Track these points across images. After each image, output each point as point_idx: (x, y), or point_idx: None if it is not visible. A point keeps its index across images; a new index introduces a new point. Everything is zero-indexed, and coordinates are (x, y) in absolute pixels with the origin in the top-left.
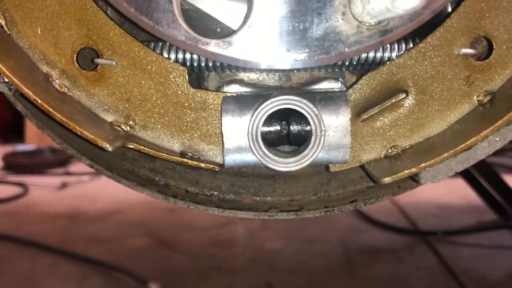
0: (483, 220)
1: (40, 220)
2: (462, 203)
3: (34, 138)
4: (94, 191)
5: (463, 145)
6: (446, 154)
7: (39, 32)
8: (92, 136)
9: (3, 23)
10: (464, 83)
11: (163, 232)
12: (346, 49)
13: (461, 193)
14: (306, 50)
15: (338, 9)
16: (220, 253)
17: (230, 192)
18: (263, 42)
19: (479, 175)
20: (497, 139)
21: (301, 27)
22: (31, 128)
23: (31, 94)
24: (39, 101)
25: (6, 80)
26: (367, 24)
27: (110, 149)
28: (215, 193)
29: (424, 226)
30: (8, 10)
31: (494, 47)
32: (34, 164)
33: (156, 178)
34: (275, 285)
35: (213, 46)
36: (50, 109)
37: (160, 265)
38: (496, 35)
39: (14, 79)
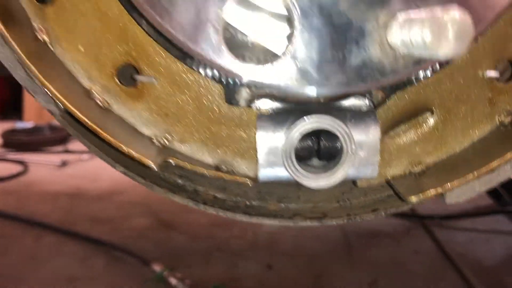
0: (479, 205)
1: (42, 199)
2: None
3: (32, 115)
4: (94, 169)
5: (487, 168)
6: (471, 176)
7: (81, 49)
8: (137, 155)
9: (47, 40)
10: (487, 104)
11: (163, 213)
12: (383, 78)
13: None
14: (345, 78)
15: (376, 39)
16: (220, 234)
17: (256, 198)
18: (303, 69)
19: None
20: None
21: (340, 56)
22: (29, 104)
23: (80, 114)
24: (89, 122)
25: (55, 100)
26: (403, 54)
27: (156, 169)
28: (242, 199)
29: (422, 211)
30: (53, 28)
31: None
32: (34, 141)
33: (186, 185)
34: (274, 267)
35: (253, 72)
36: (99, 130)
37: (162, 245)
38: None
39: (65, 101)
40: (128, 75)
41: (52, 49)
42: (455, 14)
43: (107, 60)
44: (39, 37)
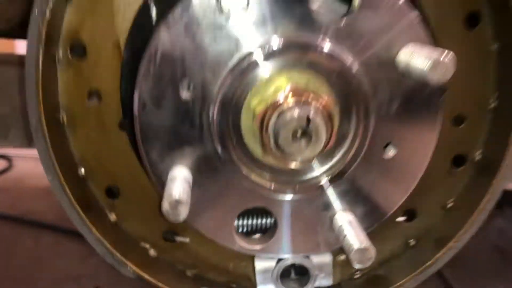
0: None
1: (33, 196)
2: None
3: None
4: None
5: None
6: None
7: (139, 222)
8: None
9: (116, 219)
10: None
11: None
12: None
13: None
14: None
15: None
16: None
17: None
18: (287, 246)
19: None
20: None
21: (314, 229)
22: None
23: (149, 278)
24: (159, 284)
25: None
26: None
27: None
28: None
29: None
30: (121, 211)
31: (416, 215)
32: None
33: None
34: None
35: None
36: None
37: None
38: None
39: (140, 272)
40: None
41: (119, 225)
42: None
43: (155, 227)
44: (110, 218)
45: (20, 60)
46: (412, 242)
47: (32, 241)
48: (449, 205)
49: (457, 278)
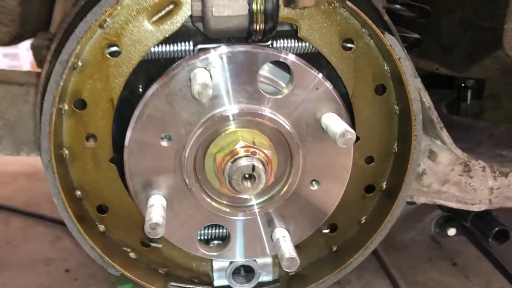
0: None
1: (0, 181)
2: None
3: None
4: None
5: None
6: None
7: (122, 232)
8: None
9: (104, 230)
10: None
11: None
12: None
13: None
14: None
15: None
16: None
17: None
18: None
19: None
20: None
21: (259, 240)
22: None
23: (130, 275)
24: (138, 280)
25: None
26: None
27: None
28: None
29: None
30: (107, 224)
31: (337, 228)
32: None
33: None
34: None
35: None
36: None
37: None
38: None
39: (123, 271)
40: (147, 241)
41: (107, 234)
42: None
43: (135, 236)
44: (100, 229)
45: (7, 77)
46: (334, 248)
47: (2, 225)
48: (363, 221)
49: (395, 265)
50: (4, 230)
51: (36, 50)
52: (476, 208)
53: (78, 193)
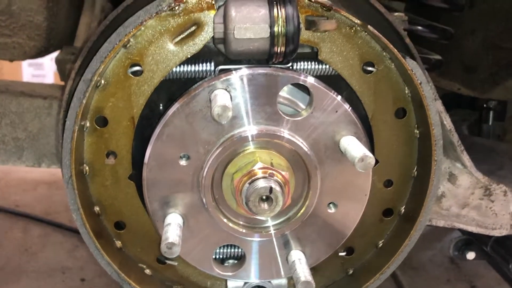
0: None
1: (22, 189)
2: None
3: None
4: None
5: None
6: None
7: (139, 248)
8: None
9: (121, 246)
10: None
11: None
12: None
13: None
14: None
15: None
16: None
17: None
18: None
19: None
20: None
21: (274, 262)
22: None
23: None
24: None
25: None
26: None
27: None
28: None
29: None
30: (125, 240)
31: (354, 251)
32: None
33: None
34: None
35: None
36: None
37: None
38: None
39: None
40: (163, 258)
41: (124, 251)
42: None
43: (150, 252)
44: (117, 245)
45: (31, 90)
46: (350, 271)
47: (21, 232)
48: (380, 244)
49: (412, 285)
50: (23, 237)
51: (60, 64)
52: (496, 233)
53: (97, 208)
